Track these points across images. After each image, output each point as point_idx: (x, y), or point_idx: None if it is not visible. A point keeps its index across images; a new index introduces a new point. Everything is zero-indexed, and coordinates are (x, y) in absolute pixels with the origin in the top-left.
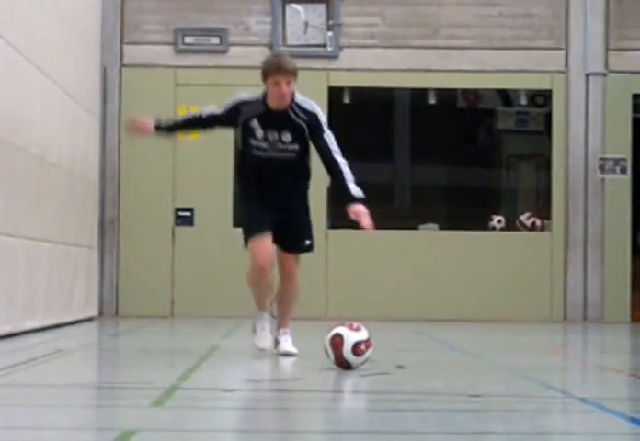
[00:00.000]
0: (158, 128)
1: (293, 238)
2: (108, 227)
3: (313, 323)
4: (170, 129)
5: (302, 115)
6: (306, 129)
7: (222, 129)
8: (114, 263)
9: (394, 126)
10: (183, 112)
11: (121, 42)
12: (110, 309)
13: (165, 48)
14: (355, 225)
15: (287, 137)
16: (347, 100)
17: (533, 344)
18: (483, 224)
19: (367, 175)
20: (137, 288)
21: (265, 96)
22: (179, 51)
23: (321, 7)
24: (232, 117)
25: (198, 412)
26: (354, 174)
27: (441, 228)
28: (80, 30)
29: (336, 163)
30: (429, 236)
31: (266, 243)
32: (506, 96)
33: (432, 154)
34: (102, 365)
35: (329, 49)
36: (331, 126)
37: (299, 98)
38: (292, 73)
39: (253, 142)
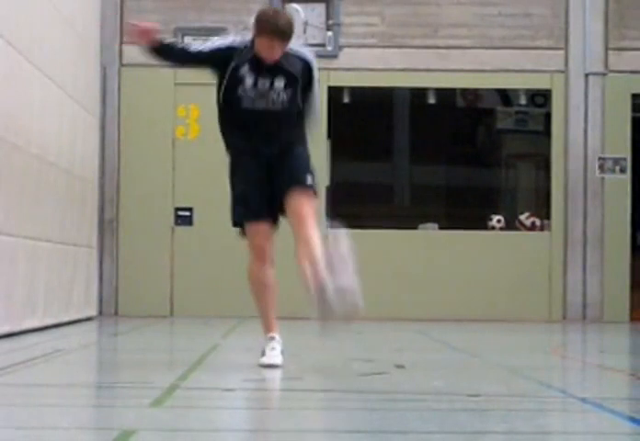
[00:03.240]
0: (157, 49)
1: (294, 172)
2: (107, 226)
3: (311, 324)
4: (163, 54)
5: (295, 63)
6: (299, 78)
7: (201, 68)
8: (113, 262)
9: (393, 125)
10: (182, 112)
11: (121, 42)
12: (110, 308)
13: None
14: (355, 225)
15: (280, 84)
16: (346, 100)
17: (533, 343)
18: (482, 224)
19: (367, 174)
20: (136, 287)
21: (253, 43)
22: None
23: (320, 7)
24: (221, 60)
25: (197, 411)
26: (355, 175)
27: (441, 227)
28: (80, 30)
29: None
30: (429, 236)
31: (263, 226)
32: (505, 96)
33: (432, 154)
34: (101, 364)
35: (329, 48)
36: (331, 126)
37: (291, 48)
38: (289, 37)
39: (241, 93)
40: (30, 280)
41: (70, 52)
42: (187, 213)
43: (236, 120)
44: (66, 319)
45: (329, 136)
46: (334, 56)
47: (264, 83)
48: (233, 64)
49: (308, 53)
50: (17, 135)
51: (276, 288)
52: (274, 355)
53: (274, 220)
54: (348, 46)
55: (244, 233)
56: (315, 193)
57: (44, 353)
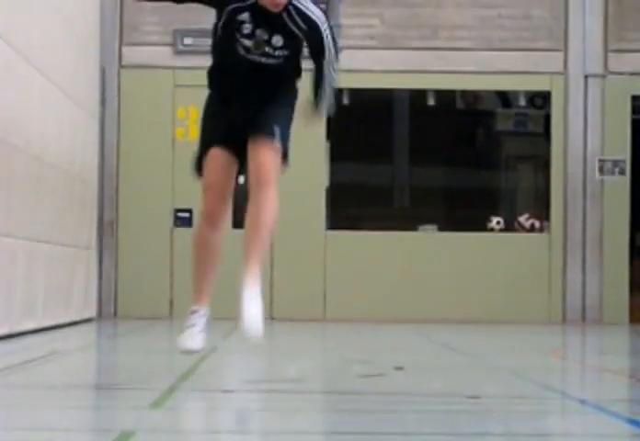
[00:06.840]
0: None
1: (261, 119)
2: (106, 228)
3: (311, 325)
4: None
5: (300, 23)
6: (303, 39)
7: (200, 5)
8: (113, 264)
9: (392, 127)
10: (182, 113)
11: (120, 43)
12: (109, 310)
13: (164, 49)
14: (354, 226)
15: (278, 41)
16: (346, 101)
17: (532, 345)
18: (482, 225)
19: (366, 176)
20: (136, 289)
21: None
22: (178, 52)
23: None
24: (220, 1)
25: (197, 413)
26: (354, 176)
27: (440, 229)
28: (79, 31)
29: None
30: (428, 237)
31: (221, 164)
32: (505, 98)
33: (431, 155)
34: (100, 366)
35: None
36: (330, 127)
37: (300, 2)
38: None
39: (238, 36)
40: (29, 281)
41: (69, 53)
42: (186, 214)
43: (227, 64)
44: (65, 320)
45: (328, 138)
46: None
47: (262, 34)
48: (232, 6)
49: (319, 12)
50: (17, 136)
51: (221, 255)
52: (191, 335)
53: (238, 165)
54: (348, 47)
55: (200, 174)
56: (282, 152)
57: (43, 354)
